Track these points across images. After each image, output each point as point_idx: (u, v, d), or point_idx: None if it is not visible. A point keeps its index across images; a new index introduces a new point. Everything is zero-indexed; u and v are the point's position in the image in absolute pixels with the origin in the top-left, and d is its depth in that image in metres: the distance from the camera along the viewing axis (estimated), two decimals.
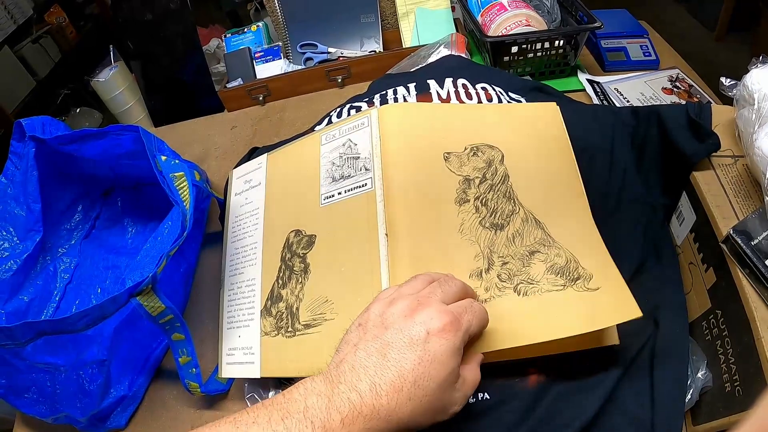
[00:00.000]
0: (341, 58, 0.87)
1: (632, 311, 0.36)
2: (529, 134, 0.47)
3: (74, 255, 0.67)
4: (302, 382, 0.29)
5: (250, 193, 0.53)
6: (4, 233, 0.60)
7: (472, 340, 0.33)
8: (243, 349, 0.46)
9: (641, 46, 0.85)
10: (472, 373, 0.32)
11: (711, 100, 0.74)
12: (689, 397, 0.42)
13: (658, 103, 0.74)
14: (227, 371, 0.47)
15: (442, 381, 0.28)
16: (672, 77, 0.80)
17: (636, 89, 0.77)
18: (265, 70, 0.87)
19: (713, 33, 1.86)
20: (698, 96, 0.77)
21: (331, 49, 0.88)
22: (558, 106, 0.50)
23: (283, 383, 0.46)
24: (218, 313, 0.51)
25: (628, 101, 0.75)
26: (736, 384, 0.39)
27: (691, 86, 0.79)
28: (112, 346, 0.48)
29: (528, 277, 0.39)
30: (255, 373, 0.44)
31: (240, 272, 0.50)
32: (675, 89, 0.78)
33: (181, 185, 0.49)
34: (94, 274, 0.66)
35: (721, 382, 0.41)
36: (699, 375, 0.43)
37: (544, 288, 0.38)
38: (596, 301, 0.38)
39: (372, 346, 0.29)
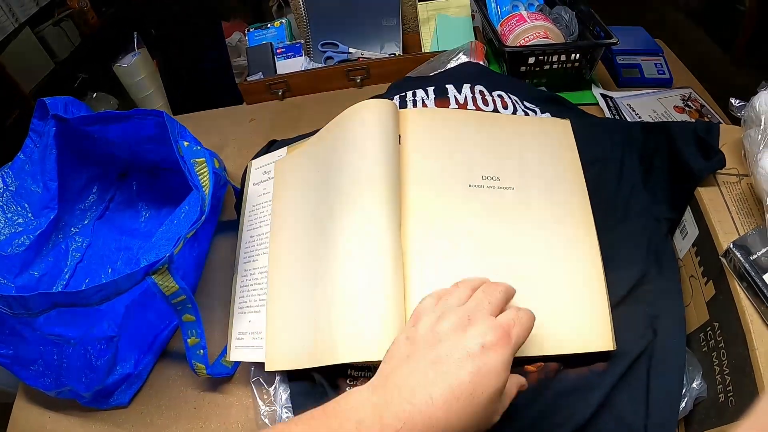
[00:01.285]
0: (361, 59, 0.88)
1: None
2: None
3: (87, 235, 0.68)
4: (350, 393, 0.29)
5: (268, 183, 0.55)
6: (20, 209, 0.61)
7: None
8: (252, 333, 0.47)
9: (656, 64, 0.86)
10: (511, 384, 0.32)
11: (721, 120, 0.75)
12: (683, 405, 0.43)
13: (669, 120, 0.75)
14: (236, 354, 0.48)
15: (494, 393, 0.28)
16: (684, 96, 0.81)
17: (648, 106, 0.79)
18: (286, 66, 0.88)
19: (731, 55, 1.88)
20: (709, 116, 0.78)
21: (351, 50, 0.89)
22: (571, 124, 0.51)
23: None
24: (230, 298, 0.52)
25: (639, 117, 0.76)
26: (729, 395, 0.41)
27: (702, 106, 0.80)
28: (122, 323, 0.49)
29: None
30: (262, 357, 0.45)
31: (254, 259, 0.51)
32: (687, 108, 0.79)
33: (202, 171, 0.51)
34: (106, 254, 0.67)
35: (715, 393, 0.42)
36: (694, 385, 0.44)
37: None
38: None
39: (425, 360, 0.29)
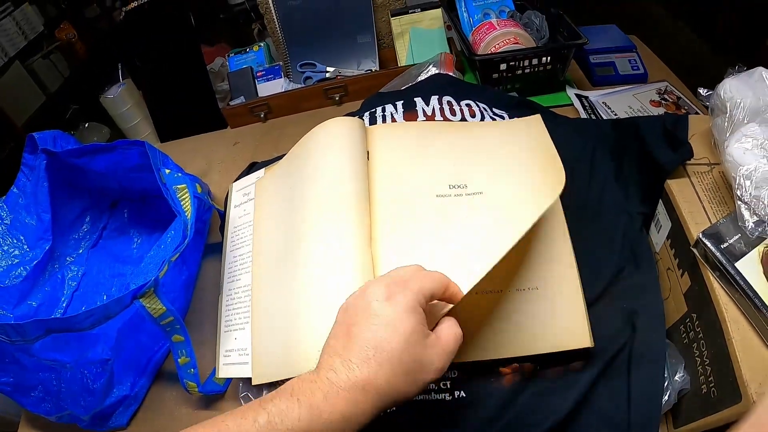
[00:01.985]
0: (339, 77, 0.90)
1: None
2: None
3: (82, 263, 0.70)
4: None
5: (248, 205, 0.56)
6: (15, 241, 0.63)
7: (449, 301, 0.35)
8: (238, 350, 0.48)
9: (629, 60, 0.88)
10: (447, 330, 0.33)
11: (699, 111, 0.76)
12: (666, 398, 0.43)
13: (645, 115, 0.76)
14: (224, 371, 0.49)
15: (404, 341, 0.29)
16: (660, 90, 0.82)
17: (624, 102, 0.80)
18: (267, 88, 0.91)
19: (714, 47, 1.89)
20: (686, 108, 0.79)
21: (329, 69, 0.92)
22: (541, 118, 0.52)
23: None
24: (217, 318, 0.53)
25: (615, 114, 0.77)
26: (711, 385, 0.41)
27: (679, 98, 0.81)
28: (115, 346, 0.50)
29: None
30: (249, 372, 0.46)
31: (237, 279, 0.53)
32: (663, 101, 0.80)
33: (183, 197, 0.52)
34: (101, 281, 0.69)
35: (698, 384, 0.42)
36: (676, 378, 0.44)
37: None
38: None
39: (340, 330, 0.31)
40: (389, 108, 0.56)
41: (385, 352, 0.29)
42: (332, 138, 0.48)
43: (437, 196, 0.45)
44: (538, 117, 0.52)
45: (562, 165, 0.47)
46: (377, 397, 0.29)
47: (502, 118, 0.56)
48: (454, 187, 0.45)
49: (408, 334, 0.30)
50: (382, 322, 0.30)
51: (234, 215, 0.57)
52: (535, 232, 0.46)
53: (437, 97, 0.56)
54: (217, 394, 0.53)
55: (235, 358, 0.48)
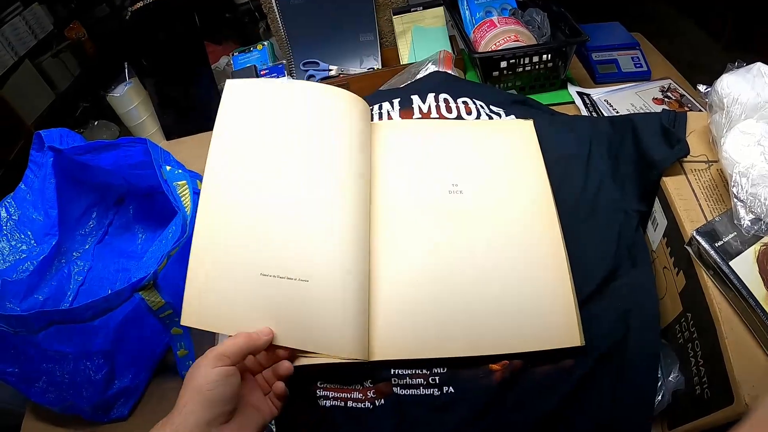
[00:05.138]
0: (342, 75, 0.91)
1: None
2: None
3: (88, 258, 0.71)
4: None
5: None
6: (23, 236, 0.65)
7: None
8: None
9: (632, 58, 0.87)
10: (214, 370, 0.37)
11: (703, 109, 0.75)
12: (660, 398, 0.43)
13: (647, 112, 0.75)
14: None
15: (194, 383, 0.37)
16: (663, 87, 0.82)
17: (626, 100, 0.79)
18: None
19: (721, 44, 1.86)
20: (689, 105, 0.78)
21: (332, 67, 0.92)
22: (534, 124, 0.52)
23: None
24: None
25: (617, 112, 0.76)
26: (705, 386, 0.40)
27: (682, 96, 0.80)
28: (116, 338, 0.51)
29: None
30: None
31: None
32: (666, 99, 0.79)
33: (183, 192, 0.53)
34: (106, 276, 0.71)
35: (692, 385, 0.42)
36: (670, 378, 0.44)
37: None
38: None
39: None
40: (386, 105, 0.56)
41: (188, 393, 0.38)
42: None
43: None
44: (529, 123, 0.52)
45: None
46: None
47: (499, 116, 0.56)
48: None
49: (195, 375, 0.38)
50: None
51: None
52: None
53: (434, 94, 0.56)
54: None
55: None
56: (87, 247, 0.73)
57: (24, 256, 0.64)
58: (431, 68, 0.71)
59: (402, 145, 0.50)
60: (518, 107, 0.59)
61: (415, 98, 0.56)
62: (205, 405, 0.36)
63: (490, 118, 0.55)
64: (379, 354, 0.40)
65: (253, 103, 0.48)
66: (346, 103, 0.49)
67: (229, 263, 0.42)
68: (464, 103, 0.56)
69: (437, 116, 0.54)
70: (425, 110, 0.54)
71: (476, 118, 0.54)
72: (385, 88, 0.74)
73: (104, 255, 0.73)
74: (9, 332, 0.46)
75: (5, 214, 0.65)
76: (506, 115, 0.56)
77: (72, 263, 0.70)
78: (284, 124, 0.47)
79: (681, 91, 0.81)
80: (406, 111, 0.55)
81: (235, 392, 0.38)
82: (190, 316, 0.42)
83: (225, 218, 0.43)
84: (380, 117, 0.55)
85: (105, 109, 1.01)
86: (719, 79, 0.47)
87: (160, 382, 0.58)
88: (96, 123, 1.09)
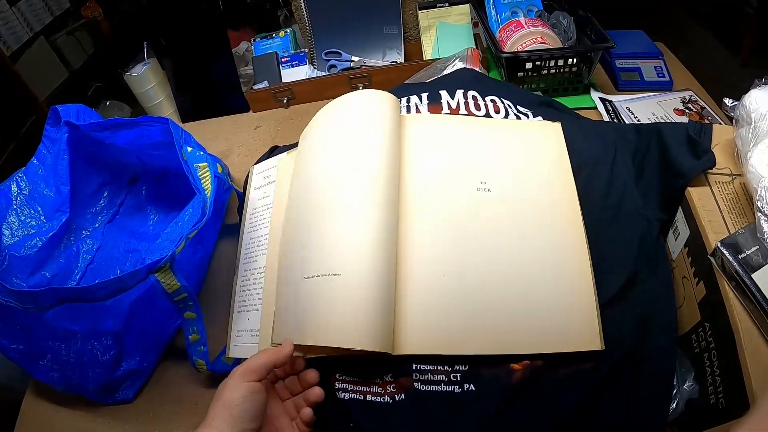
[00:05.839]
0: (363, 67, 0.90)
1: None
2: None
3: (97, 237, 0.70)
4: None
5: (268, 188, 0.56)
6: (33, 212, 0.64)
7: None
8: (251, 331, 0.49)
9: (655, 67, 0.87)
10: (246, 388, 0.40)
11: (723, 122, 0.75)
12: (674, 406, 0.43)
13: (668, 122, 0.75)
14: (234, 351, 0.50)
15: (225, 396, 0.39)
16: (685, 99, 0.81)
17: (648, 109, 0.79)
18: (291, 74, 0.91)
19: (738, 57, 1.87)
20: (710, 118, 0.78)
21: (354, 58, 0.92)
22: (561, 127, 0.52)
23: None
24: (230, 298, 0.54)
25: (638, 120, 0.76)
26: (720, 396, 0.41)
27: (703, 108, 0.80)
28: (127, 320, 0.51)
29: None
30: None
31: (253, 260, 0.53)
32: (687, 111, 0.79)
33: (204, 175, 0.53)
34: (115, 256, 0.70)
35: (707, 395, 0.42)
36: (685, 386, 0.44)
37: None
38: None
39: None
40: (414, 99, 0.56)
41: (219, 404, 0.39)
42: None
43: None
44: (558, 125, 0.52)
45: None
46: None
47: (526, 116, 0.56)
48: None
49: (224, 389, 0.40)
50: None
51: (253, 197, 0.58)
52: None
53: (462, 90, 0.56)
54: (225, 373, 0.53)
55: (246, 338, 0.49)
56: (97, 225, 0.72)
57: (33, 231, 0.63)
58: (458, 65, 0.70)
59: (431, 140, 0.49)
60: (545, 109, 0.58)
61: (444, 93, 0.55)
62: (231, 421, 0.37)
63: (518, 118, 0.54)
64: (404, 348, 0.40)
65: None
66: (379, 100, 0.49)
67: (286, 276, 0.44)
68: (492, 101, 0.55)
69: (465, 113, 0.53)
70: (454, 106, 0.54)
71: (504, 117, 0.53)
72: (411, 82, 0.73)
73: (114, 234, 0.72)
74: (18, 308, 0.45)
75: (16, 189, 0.64)
76: (533, 116, 0.56)
77: (81, 241, 0.69)
78: (330, 129, 0.51)
79: (702, 103, 0.81)
80: (435, 106, 0.54)
81: (261, 409, 0.39)
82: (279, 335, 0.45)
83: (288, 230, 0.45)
84: (408, 110, 0.54)
85: (118, 89, 1.00)
86: (747, 94, 0.48)
87: (167, 367, 0.57)
88: (108, 103, 1.09)
